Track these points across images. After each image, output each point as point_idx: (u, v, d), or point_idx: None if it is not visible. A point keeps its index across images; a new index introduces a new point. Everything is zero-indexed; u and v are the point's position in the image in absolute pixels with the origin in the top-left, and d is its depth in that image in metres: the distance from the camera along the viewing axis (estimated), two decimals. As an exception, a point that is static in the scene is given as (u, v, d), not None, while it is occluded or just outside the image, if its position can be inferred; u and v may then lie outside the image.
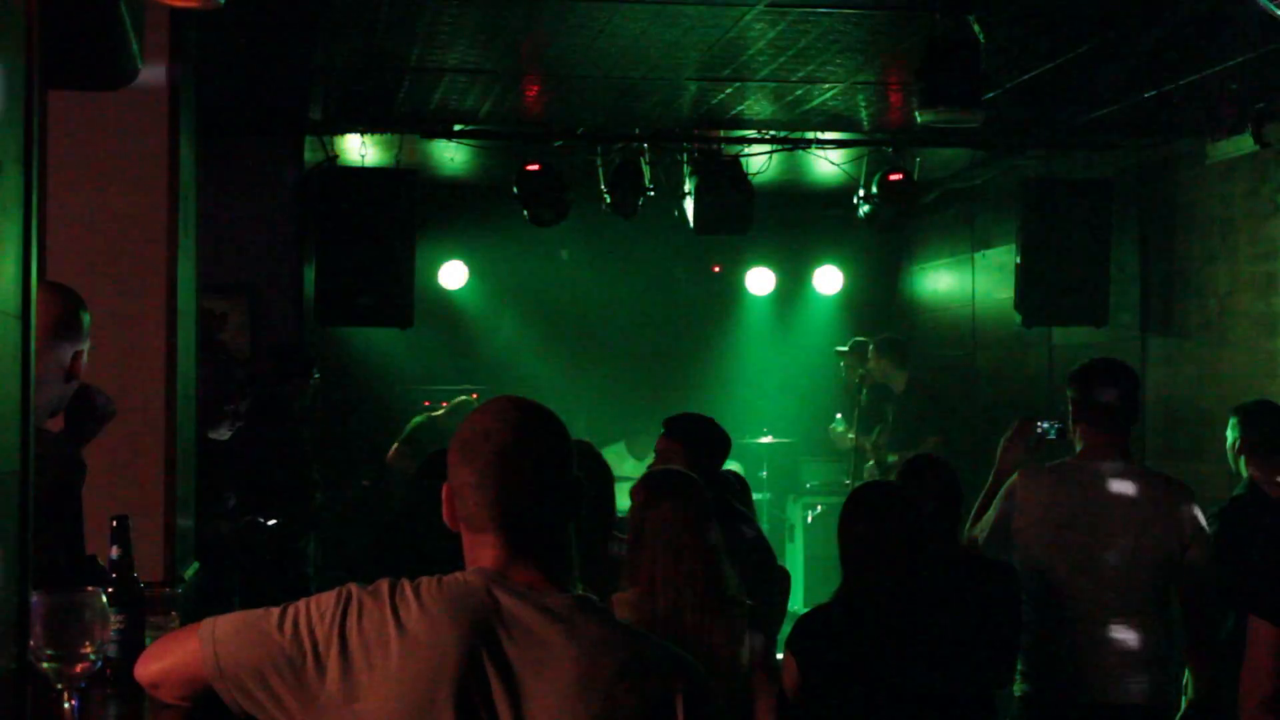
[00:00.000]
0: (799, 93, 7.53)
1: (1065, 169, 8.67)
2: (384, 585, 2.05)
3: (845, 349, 9.69)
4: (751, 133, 8.44)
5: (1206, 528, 4.33)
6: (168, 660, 2.09)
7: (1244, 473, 5.02)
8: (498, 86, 7.47)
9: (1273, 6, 4.41)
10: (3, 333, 1.99)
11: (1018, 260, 8.54)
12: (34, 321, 2.10)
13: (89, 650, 2.11)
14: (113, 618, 2.31)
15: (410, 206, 8.17)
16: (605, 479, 4.09)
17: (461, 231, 10.59)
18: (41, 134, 2.26)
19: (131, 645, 2.54)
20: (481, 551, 2.11)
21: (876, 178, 8.82)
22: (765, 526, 6.80)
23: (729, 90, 7.51)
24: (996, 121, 7.69)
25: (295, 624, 2.02)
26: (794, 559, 9.84)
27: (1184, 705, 4.42)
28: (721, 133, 8.45)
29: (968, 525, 4.58)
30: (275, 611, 2.05)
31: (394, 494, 8.22)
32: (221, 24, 4.66)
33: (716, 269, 11.54)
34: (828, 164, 8.99)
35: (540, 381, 10.12)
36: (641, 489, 3.69)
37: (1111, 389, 4.34)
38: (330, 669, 1.99)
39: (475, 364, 10.68)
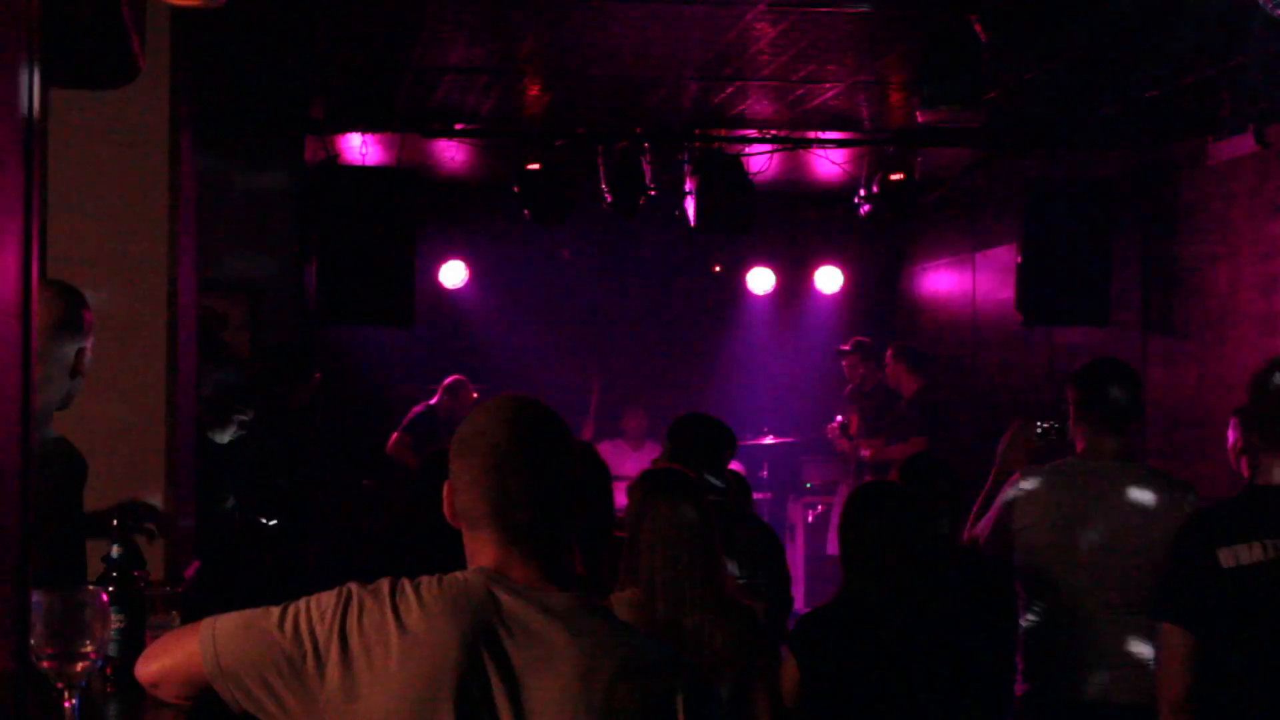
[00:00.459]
0: (800, 92, 7.52)
1: (1066, 169, 8.67)
2: (384, 584, 2.05)
3: (847, 348, 9.69)
4: (752, 132, 8.45)
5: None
6: (168, 659, 2.09)
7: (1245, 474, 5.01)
8: (498, 86, 7.47)
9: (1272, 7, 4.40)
10: (3, 332, 1.98)
11: (1018, 260, 8.53)
12: (34, 321, 2.09)
13: (89, 649, 2.11)
14: (113, 617, 2.31)
15: (410, 206, 8.16)
16: (604, 479, 4.10)
17: (461, 231, 10.59)
18: (42, 133, 2.25)
19: (132, 645, 2.54)
20: (481, 550, 2.11)
21: (877, 177, 8.82)
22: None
23: (730, 89, 7.51)
24: (997, 121, 7.69)
25: (295, 623, 2.02)
26: (794, 559, 9.84)
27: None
28: (722, 132, 8.45)
29: (968, 525, 4.58)
30: (275, 610, 2.05)
31: (395, 492, 8.23)
32: (222, 23, 4.66)
33: (717, 269, 11.54)
34: (828, 163, 8.99)
35: (540, 381, 10.12)
36: (639, 488, 3.69)
37: (1113, 389, 4.34)
38: (330, 668, 1.99)
39: (475, 363, 10.67)
